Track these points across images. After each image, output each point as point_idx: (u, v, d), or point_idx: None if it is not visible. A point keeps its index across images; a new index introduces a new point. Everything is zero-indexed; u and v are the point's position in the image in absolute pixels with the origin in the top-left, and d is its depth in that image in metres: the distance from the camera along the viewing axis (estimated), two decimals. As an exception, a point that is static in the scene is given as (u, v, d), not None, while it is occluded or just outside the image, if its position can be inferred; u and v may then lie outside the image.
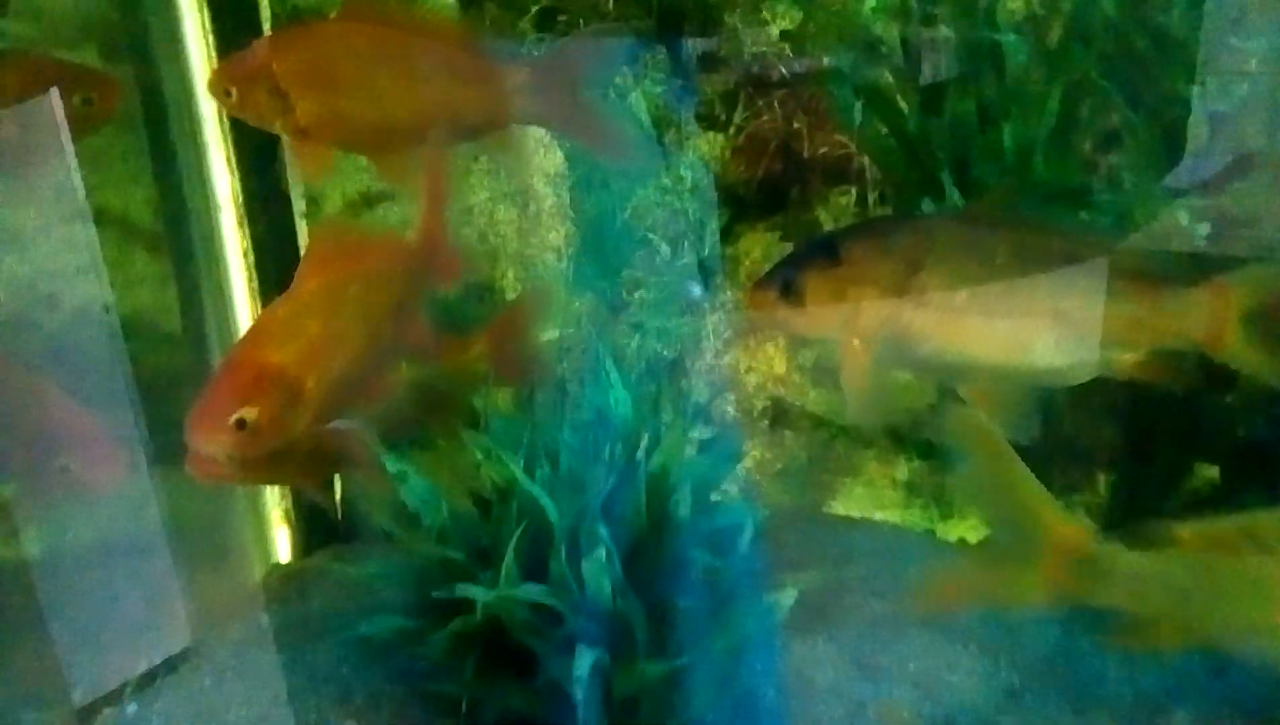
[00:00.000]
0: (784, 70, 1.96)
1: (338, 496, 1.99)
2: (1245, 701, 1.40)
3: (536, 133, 1.90)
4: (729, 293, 2.01)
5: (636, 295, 1.97)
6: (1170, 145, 1.68)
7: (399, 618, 1.42)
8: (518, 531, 1.33)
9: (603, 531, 1.34)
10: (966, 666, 1.50)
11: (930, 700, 1.45)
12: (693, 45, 1.95)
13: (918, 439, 2.12)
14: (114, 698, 1.51)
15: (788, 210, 2.06)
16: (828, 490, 2.13)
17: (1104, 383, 1.79)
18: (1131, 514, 1.87)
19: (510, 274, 2.00)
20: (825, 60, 1.94)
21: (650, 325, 1.97)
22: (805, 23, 1.96)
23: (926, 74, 1.83)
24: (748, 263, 2.04)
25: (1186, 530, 1.09)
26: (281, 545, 1.99)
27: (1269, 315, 1.24)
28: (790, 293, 1.34)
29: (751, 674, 1.42)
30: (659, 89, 1.94)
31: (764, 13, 1.95)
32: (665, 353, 1.97)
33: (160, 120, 1.87)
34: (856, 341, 1.34)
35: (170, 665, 1.54)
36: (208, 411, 1.14)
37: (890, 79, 1.86)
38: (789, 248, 2.00)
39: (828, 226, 2.03)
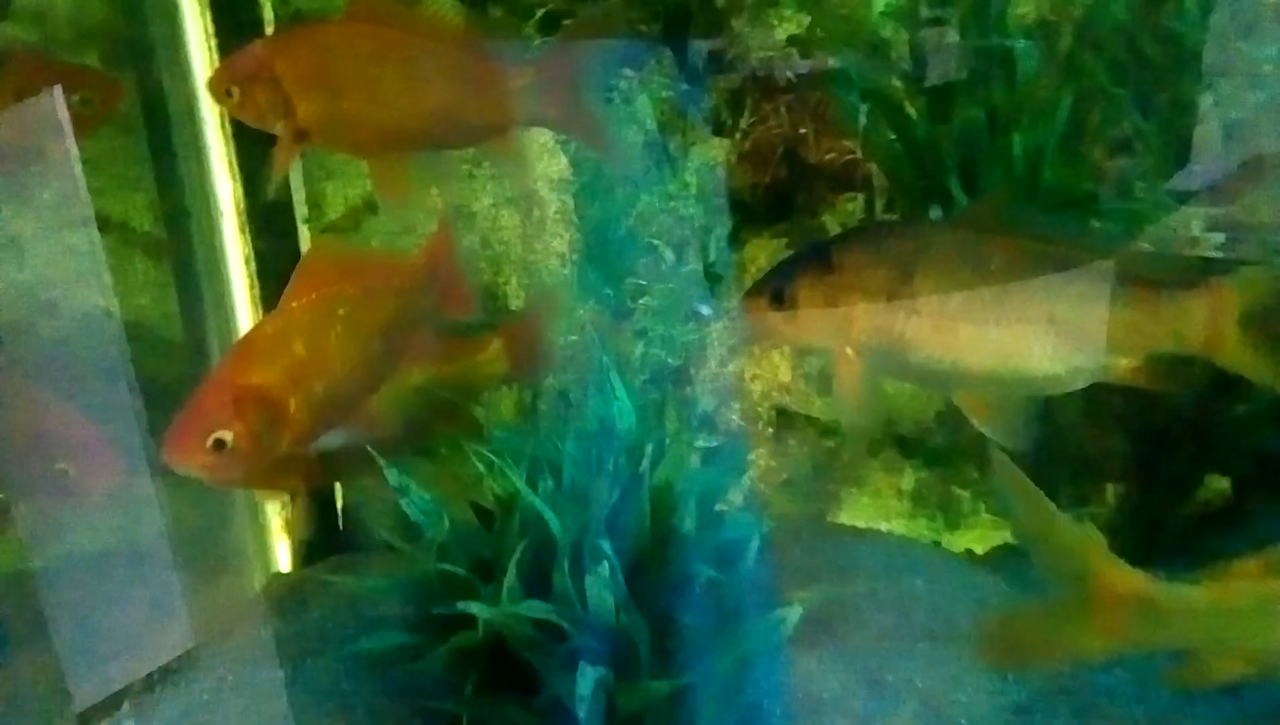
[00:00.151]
0: (791, 75, 1.95)
1: (339, 505, 1.99)
2: (1259, 719, 1.38)
3: (541, 137, 1.89)
4: (734, 300, 2.00)
5: (641, 302, 1.95)
6: (1183, 153, 1.66)
7: (399, 632, 1.41)
8: (520, 547, 1.32)
9: (606, 546, 1.32)
10: (974, 683, 1.48)
11: (938, 718, 1.43)
12: (699, 50, 1.93)
13: (924, 448, 2.11)
14: (111, 710, 1.49)
15: (794, 217, 2.04)
16: (833, 500, 2.11)
17: (1112, 392, 1.78)
18: (1140, 526, 1.86)
19: (514, 280, 1.99)
20: (832, 65, 1.92)
21: (655, 333, 1.96)
22: (812, 27, 1.94)
23: (935, 79, 1.82)
24: (753, 270, 2.02)
25: (1245, 562, 1.08)
26: (281, 555, 1.98)
27: (1268, 318, 1.22)
28: (782, 301, 1.34)
29: (756, 690, 1.40)
30: (665, 93, 1.92)
31: (770, 17, 1.94)
32: (670, 360, 1.96)
33: (162, 125, 1.87)
34: (849, 350, 1.32)
35: (168, 677, 1.53)
36: (184, 432, 1.13)
37: (898, 84, 1.84)
38: (794, 254, 1.98)
39: (834, 233, 2.01)
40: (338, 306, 1.25)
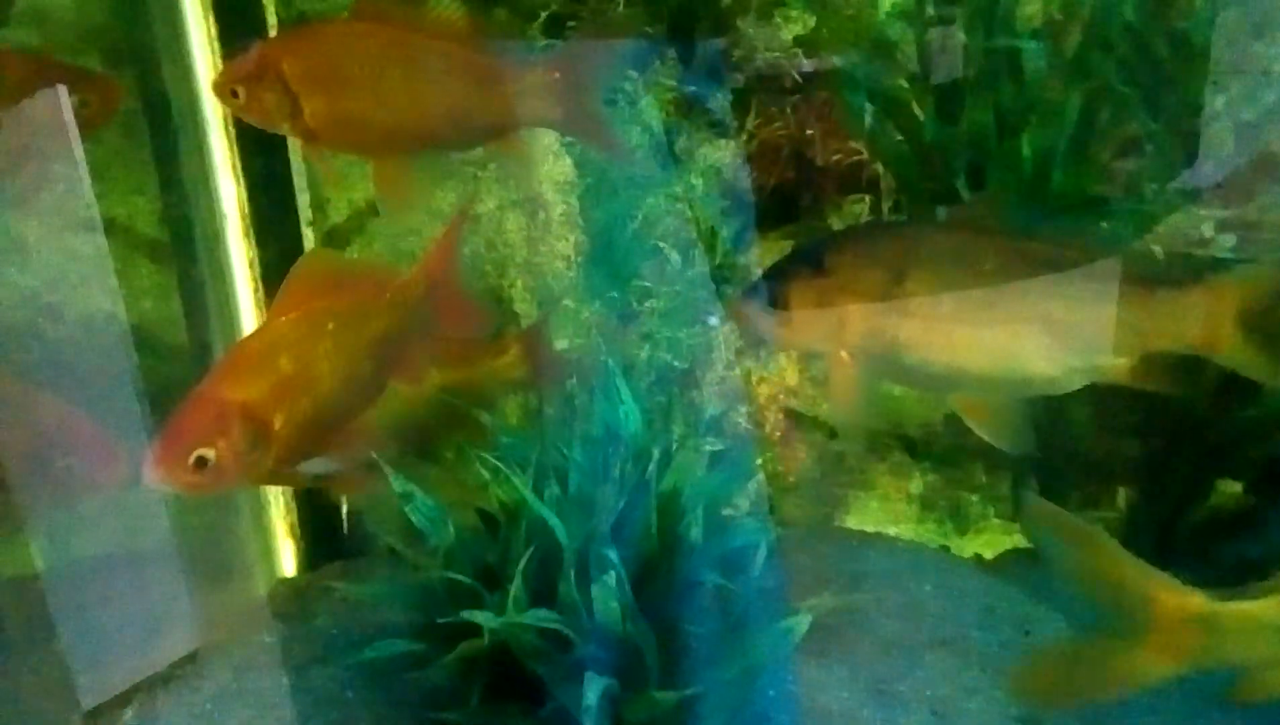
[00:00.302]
0: (797, 76, 1.94)
1: (343, 510, 1.98)
2: (1272, 730, 1.37)
3: (545, 139, 1.88)
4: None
5: (647, 305, 1.94)
6: (1193, 153, 1.65)
7: (404, 641, 1.40)
8: (526, 555, 1.31)
9: (612, 554, 1.31)
10: (985, 692, 1.47)
11: (948, 727, 1.42)
12: (704, 51, 1.92)
13: (932, 452, 2.09)
14: (115, 717, 1.48)
15: (800, 218, 2.03)
16: (840, 504, 2.10)
17: (1123, 396, 1.76)
18: (1152, 531, 1.84)
19: (519, 283, 1.98)
20: (839, 66, 1.91)
21: (661, 336, 1.95)
22: (819, 27, 1.93)
23: (942, 80, 1.80)
24: (759, 272, 2.01)
25: None
26: (286, 559, 1.97)
27: (1267, 315, 1.21)
28: (775, 303, 1.33)
29: (764, 700, 1.39)
30: (670, 95, 1.91)
31: (777, 17, 1.92)
32: (676, 364, 1.94)
33: (165, 128, 1.86)
34: (843, 352, 1.31)
35: (172, 684, 1.52)
36: (166, 448, 1.10)
37: (905, 85, 1.83)
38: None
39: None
40: (326, 321, 1.22)
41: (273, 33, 1.87)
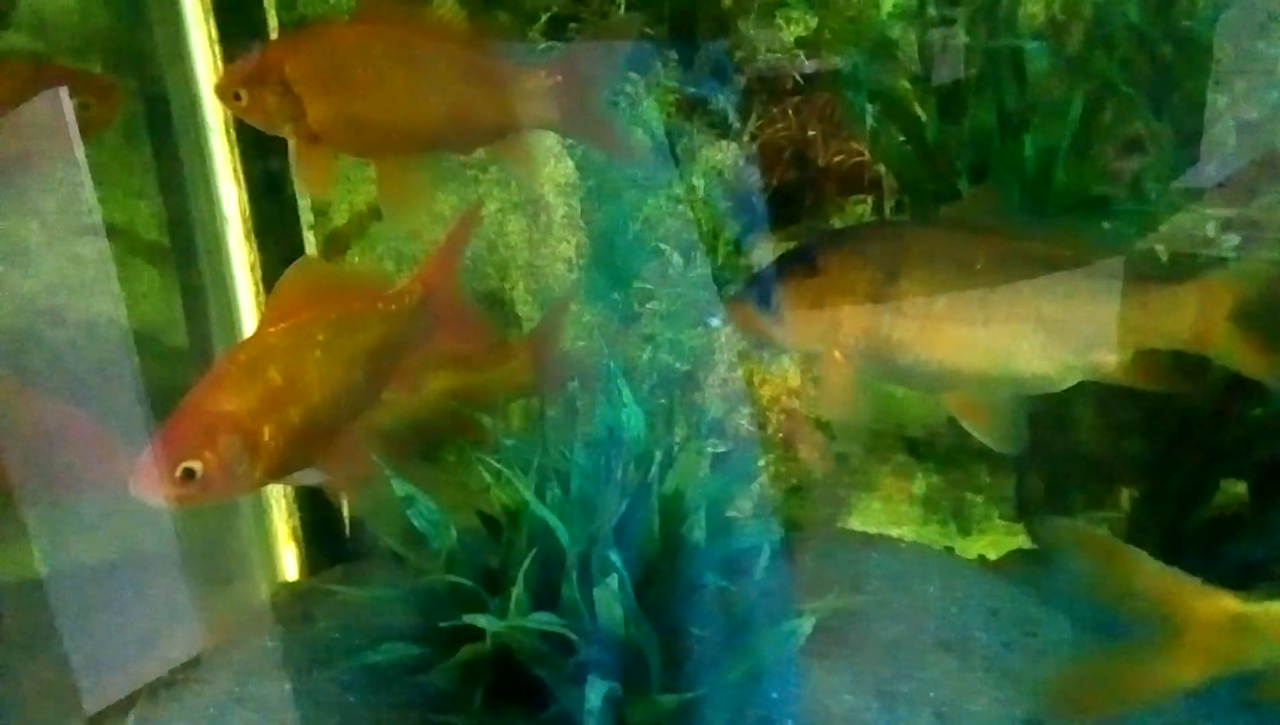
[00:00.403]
0: (798, 77, 1.93)
1: (345, 514, 1.98)
2: (1278, 731, 1.36)
3: (547, 141, 1.88)
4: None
5: (648, 307, 1.94)
6: (1196, 153, 1.64)
7: (406, 644, 1.39)
8: (528, 558, 1.30)
9: (615, 557, 1.31)
10: (989, 694, 1.46)
11: (952, 729, 1.41)
12: (706, 52, 1.92)
13: (935, 453, 2.09)
14: (117, 722, 1.48)
15: (802, 219, 2.03)
16: (843, 506, 2.09)
17: (1127, 397, 1.76)
18: (1156, 531, 1.84)
19: (520, 285, 1.98)
20: (840, 66, 1.90)
21: (662, 337, 1.94)
22: (820, 28, 1.93)
23: (944, 80, 1.80)
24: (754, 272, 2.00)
25: None
26: (288, 562, 1.97)
27: (1260, 312, 1.21)
28: (767, 304, 1.34)
29: (767, 703, 1.39)
30: (672, 96, 1.91)
31: (778, 18, 1.92)
32: (678, 365, 1.94)
33: (166, 132, 1.86)
34: (836, 352, 1.31)
35: (173, 688, 1.52)
36: (153, 462, 1.09)
37: (907, 85, 1.83)
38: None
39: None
40: (317, 330, 1.21)
41: (274, 35, 1.87)
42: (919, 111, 1.81)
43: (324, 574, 1.88)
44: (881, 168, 1.95)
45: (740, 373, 1.98)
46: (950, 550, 1.96)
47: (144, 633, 1.62)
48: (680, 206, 1.93)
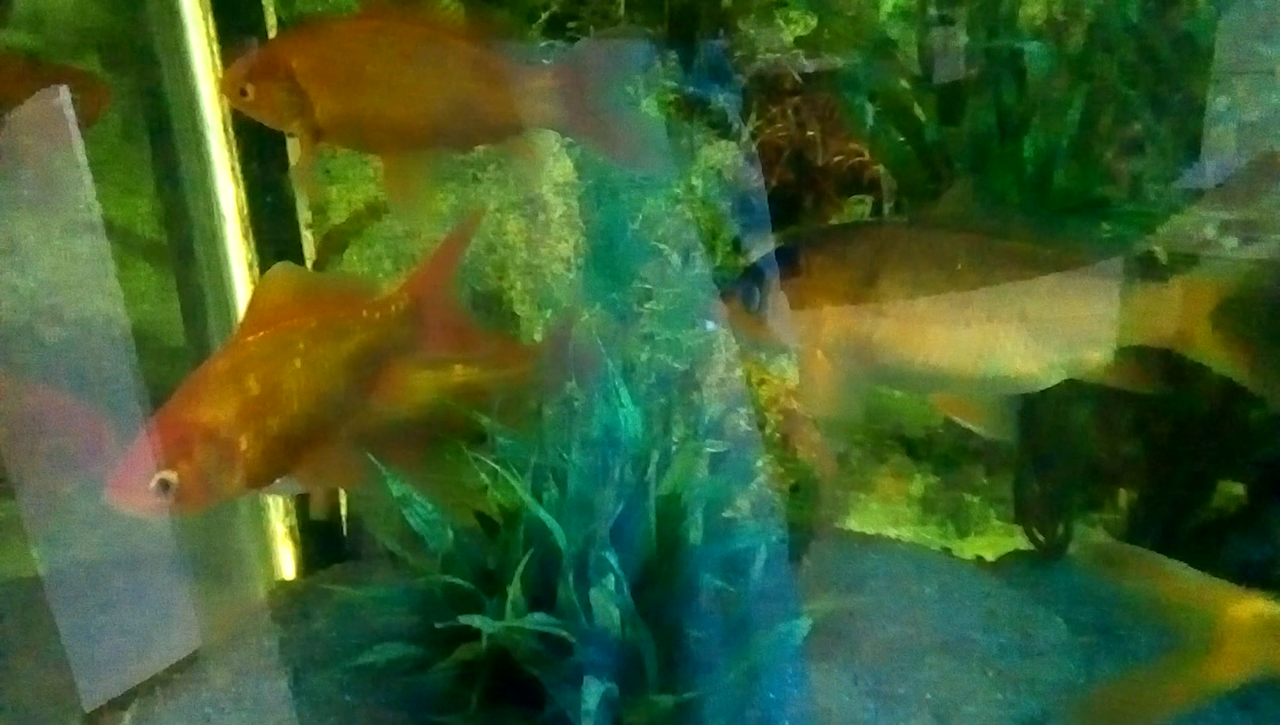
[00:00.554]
0: (798, 77, 1.93)
1: (343, 513, 1.98)
2: (1274, 732, 1.36)
3: (546, 140, 1.87)
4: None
5: (647, 306, 1.93)
6: (1196, 154, 1.64)
7: (402, 644, 1.39)
8: (525, 559, 1.30)
9: (612, 558, 1.30)
10: (986, 695, 1.46)
11: (949, 731, 1.41)
12: (706, 52, 1.91)
13: (933, 454, 2.09)
14: (113, 721, 1.48)
15: (802, 219, 2.03)
16: (842, 506, 2.09)
17: (1125, 397, 1.75)
18: (1153, 532, 1.83)
19: (519, 285, 1.97)
20: (840, 66, 1.90)
21: (661, 337, 1.94)
22: (820, 28, 1.92)
23: (944, 81, 1.79)
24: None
25: None
26: (285, 562, 1.97)
27: (1241, 311, 1.20)
28: (752, 303, 1.34)
29: (765, 704, 1.39)
30: (671, 96, 1.90)
31: (778, 18, 1.92)
32: (676, 365, 1.94)
33: (164, 130, 1.85)
34: (819, 352, 1.31)
35: (170, 687, 1.52)
36: (128, 473, 1.09)
37: (907, 86, 1.82)
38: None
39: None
40: (297, 340, 1.19)
41: (272, 33, 1.86)
42: (918, 112, 1.80)
43: (321, 573, 1.88)
44: (881, 168, 1.95)
45: (739, 373, 1.97)
46: (948, 551, 1.96)
47: (141, 631, 1.61)
48: (679, 206, 1.93)
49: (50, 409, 1.50)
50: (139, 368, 1.64)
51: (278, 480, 1.21)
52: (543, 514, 1.34)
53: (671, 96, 1.90)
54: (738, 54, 1.93)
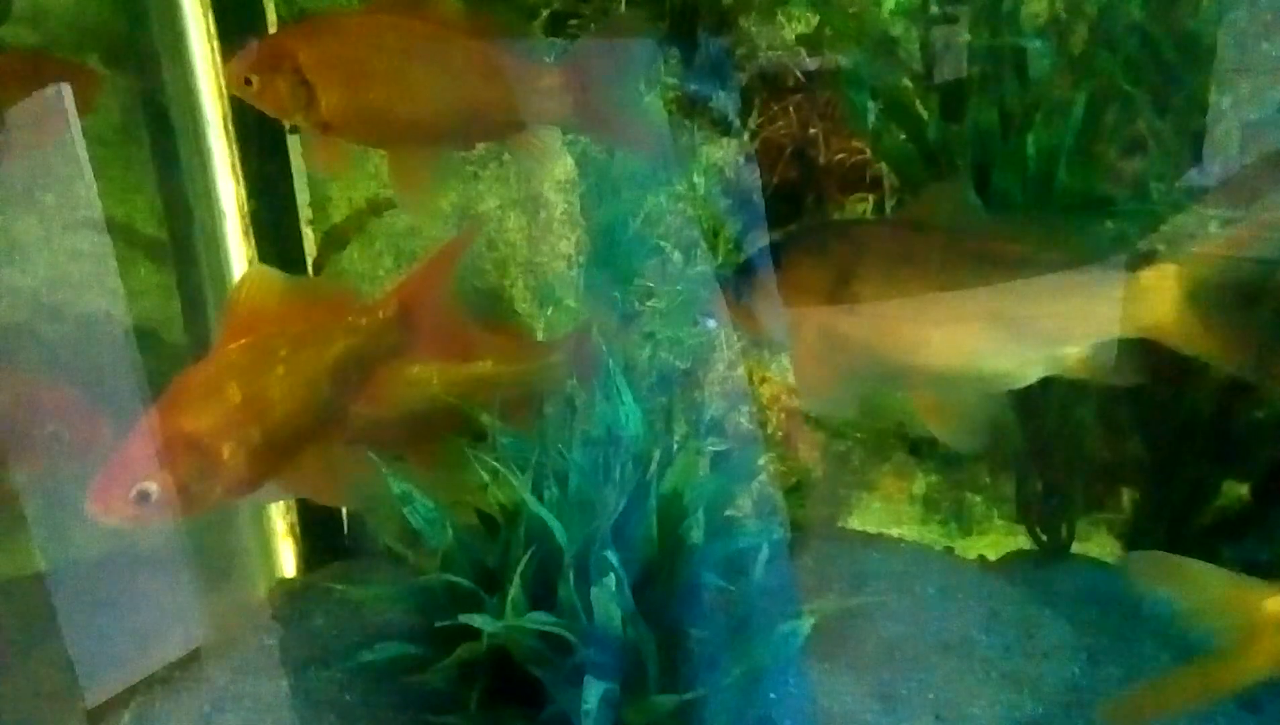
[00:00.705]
0: (799, 74, 1.92)
1: (342, 510, 1.97)
2: (1279, 733, 1.36)
3: (551, 137, 1.86)
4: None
5: (648, 304, 1.93)
6: (1200, 152, 1.63)
7: (402, 643, 1.39)
8: (525, 557, 1.30)
9: (613, 557, 1.30)
10: (989, 697, 1.45)
11: (951, 732, 1.41)
12: (707, 49, 1.90)
13: (935, 452, 2.08)
14: (113, 720, 1.48)
15: (803, 217, 2.02)
16: (843, 505, 2.09)
17: (1128, 396, 1.75)
18: (1157, 532, 1.83)
19: (520, 282, 1.97)
20: (842, 64, 1.89)
21: (662, 335, 1.93)
22: (822, 26, 1.92)
23: (947, 79, 1.79)
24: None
25: None
26: (286, 559, 1.96)
27: (1217, 297, 1.19)
28: (739, 298, 1.36)
29: (766, 704, 1.38)
30: (672, 93, 1.90)
31: (779, 15, 1.91)
32: (677, 363, 1.93)
33: (164, 127, 1.85)
34: (803, 347, 1.32)
35: (170, 686, 1.51)
36: (108, 482, 1.08)
37: (909, 84, 1.82)
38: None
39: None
40: (279, 346, 1.17)
41: (272, 30, 1.86)
42: (921, 110, 1.79)
43: (321, 571, 1.87)
44: (883, 166, 1.94)
45: (740, 371, 1.97)
46: (950, 550, 1.95)
47: (141, 629, 1.61)
48: (680, 204, 1.92)
49: (51, 406, 1.50)
50: (139, 365, 1.64)
51: (261, 488, 1.20)
52: (543, 512, 1.34)
53: (672, 94, 1.89)
54: (739, 51, 1.92)
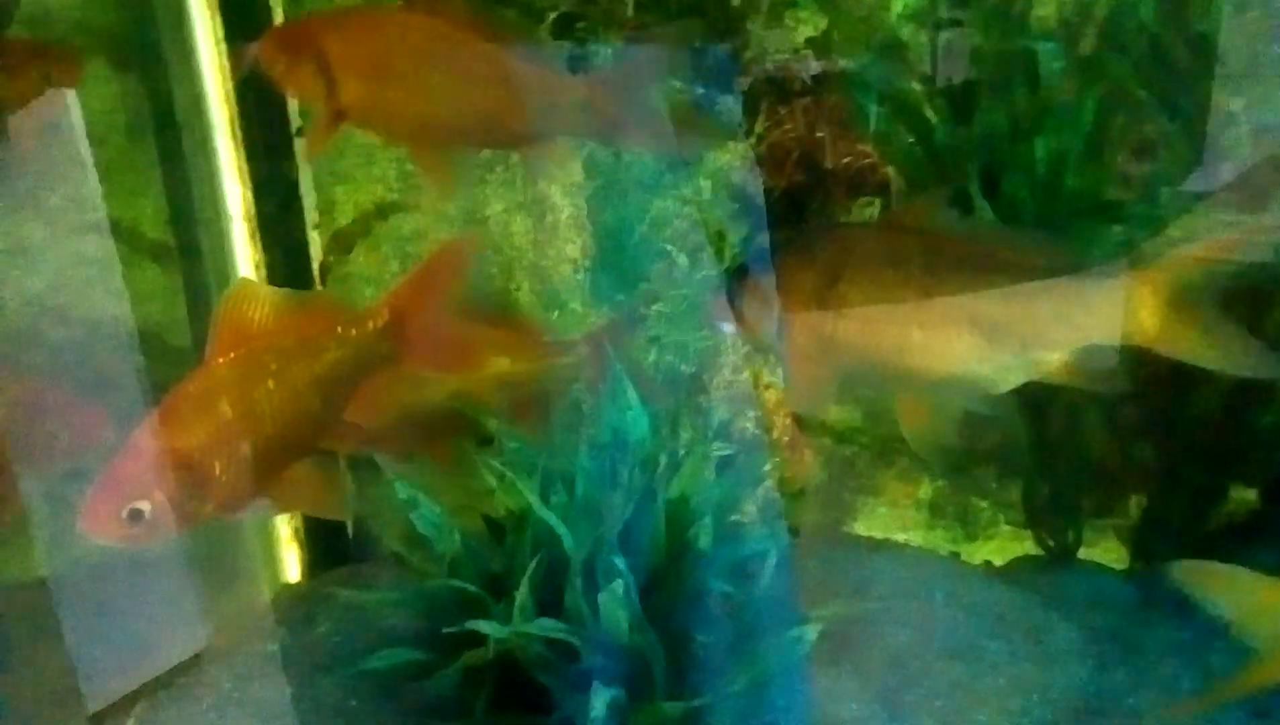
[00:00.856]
0: (807, 78, 1.92)
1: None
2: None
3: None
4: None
5: (654, 308, 1.92)
6: (1209, 156, 1.63)
7: (408, 649, 1.38)
8: (532, 564, 1.29)
9: (620, 563, 1.29)
10: (996, 703, 1.45)
11: (959, 739, 1.40)
12: (714, 52, 1.90)
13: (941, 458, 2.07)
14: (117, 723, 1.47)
15: (810, 221, 2.01)
16: (849, 510, 2.08)
17: (1135, 401, 1.74)
18: (1164, 537, 1.82)
19: (525, 285, 1.97)
20: (850, 67, 1.89)
21: (668, 339, 1.93)
22: (830, 29, 1.91)
23: (955, 82, 1.78)
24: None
25: None
26: (290, 564, 1.96)
27: (1201, 299, 1.17)
28: (733, 301, 1.36)
29: (773, 710, 1.37)
30: (679, 96, 1.89)
31: (787, 19, 1.90)
32: (684, 368, 1.93)
33: (171, 130, 1.85)
34: (790, 347, 1.32)
35: (173, 691, 1.51)
36: (99, 502, 1.06)
37: (917, 87, 1.81)
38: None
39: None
40: (268, 361, 1.15)
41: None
42: (929, 113, 1.79)
43: (326, 576, 1.87)
44: (890, 170, 1.94)
45: (746, 375, 1.96)
46: (956, 556, 1.94)
47: (145, 634, 1.61)
48: (687, 208, 1.92)
49: (56, 409, 1.50)
50: (145, 368, 1.64)
51: (252, 505, 1.19)
52: (550, 518, 1.33)
53: (679, 97, 1.89)
54: (746, 55, 1.91)
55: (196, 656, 1.56)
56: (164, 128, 1.84)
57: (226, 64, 1.83)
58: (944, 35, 1.79)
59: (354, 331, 1.23)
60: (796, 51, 1.91)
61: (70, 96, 1.56)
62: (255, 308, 1.18)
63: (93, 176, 1.64)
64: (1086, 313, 1.23)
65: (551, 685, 1.31)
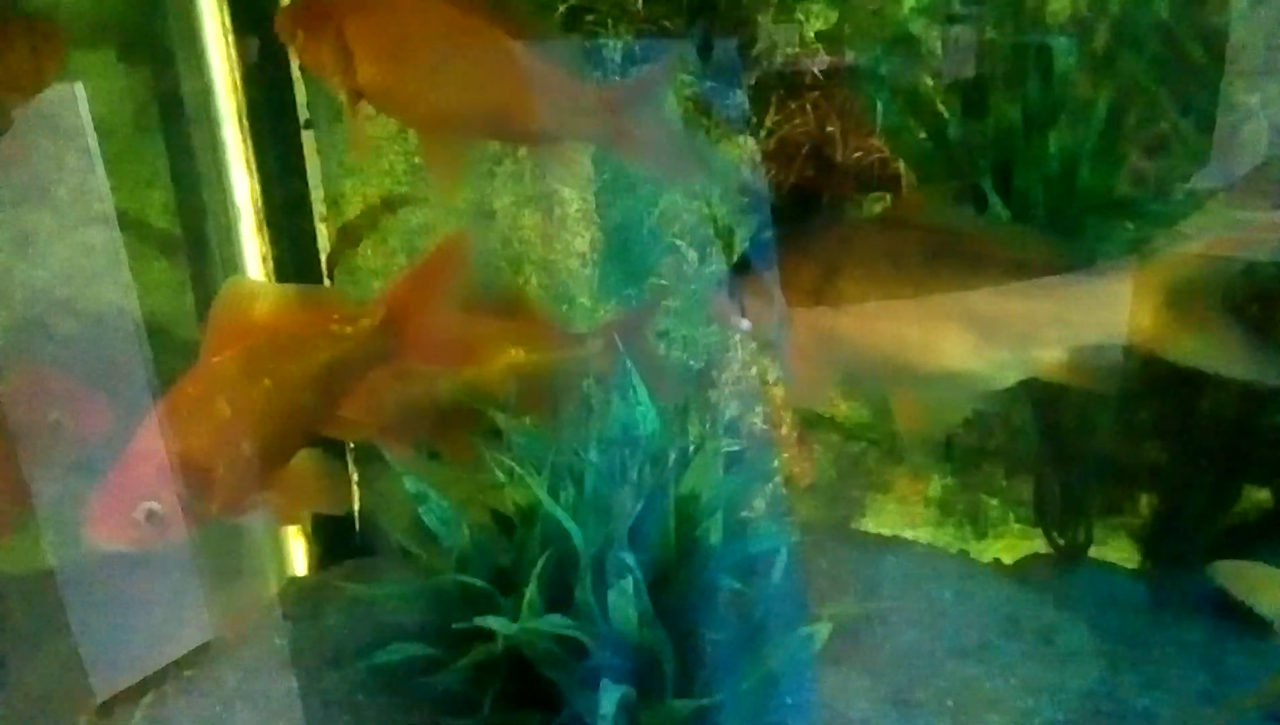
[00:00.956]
0: (818, 72, 1.90)
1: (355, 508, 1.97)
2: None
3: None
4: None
5: (663, 303, 1.91)
6: (1224, 154, 1.61)
7: (416, 644, 1.38)
8: (541, 559, 1.28)
9: (629, 559, 1.28)
10: (1008, 703, 1.44)
11: (970, 738, 1.39)
12: (724, 46, 1.89)
13: (951, 455, 2.06)
14: (124, 719, 1.47)
15: (820, 216, 2.00)
16: (858, 507, 2.07)
17: (1147, 400, 1.73)
18: (1175, 537, 1.81)
19: (534, 280, 1.96)
20: (861, 62, 1.88)
21: (677, 335, 1.92)
22: (841, 23, 1.90)
23: (968, 77, 1.77)
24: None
25: None
26: (298, 558, 1.96)
27: (1198, 299, 1.16)
28: (732, 297, 1.37)
29: (783, 708, 1.37)
30: (689, 91, 1.88)
31: (798, 13, 1.89)
32: (693, 363, 1.92)
33: (178, 122, 1.84)
34: (794, 345, 1.32)
35: (181, 686, 1.51)
36: (107, 505, 1.07)
37: (929, 82, 1.80)
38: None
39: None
40: (264, 359, 1.15)
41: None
42: (941, 108, 1.78)
43: (333, 570, 1.86)
44: (901, 165, 1.92)
45: (755, 371, 1.95)
46: (966, 553, 1.93)
47: (152, 627, 1.60)
48: (696, 202, 1.91)
49: (63, 401, 1.50)
50: (152, 360, 1.63)
51: (253, 507, 1.19)
52: (560, 514, 1.32)
53: (689, 92, 1.88)
54: (756, 49, 1.90)
55: (204, 650, 1.56)
56: (172, 119, 1.83)
57: (234, 55, 1.82)
58: (956, 29, 1.78)
59: (350, 329, 1.23)
60: (807, 46, 1.90)
61: (78, 88, 1.55)
62: (249, 306, 1.18)
63: (100, 168, 1.64)
64: (1083, 311, 1.22)
65: (560, 682, 1.30)
